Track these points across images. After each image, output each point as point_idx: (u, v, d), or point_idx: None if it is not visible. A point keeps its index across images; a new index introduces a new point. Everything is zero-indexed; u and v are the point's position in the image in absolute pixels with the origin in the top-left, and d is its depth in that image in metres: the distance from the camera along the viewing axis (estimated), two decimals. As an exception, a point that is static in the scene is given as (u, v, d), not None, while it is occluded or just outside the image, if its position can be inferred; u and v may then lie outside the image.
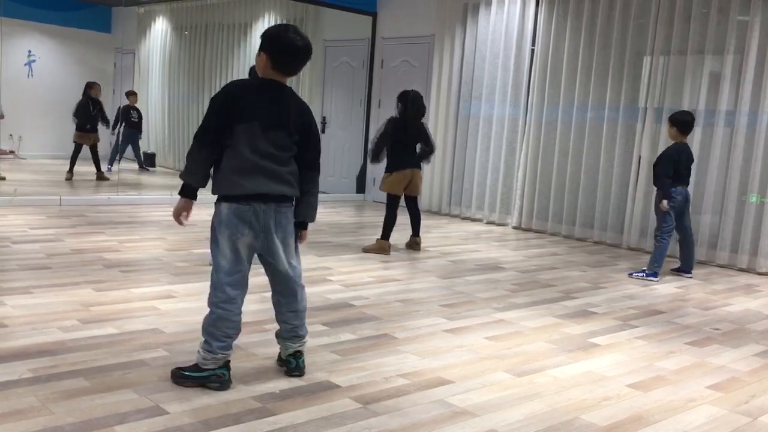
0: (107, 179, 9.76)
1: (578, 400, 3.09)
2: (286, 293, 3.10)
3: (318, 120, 10.46)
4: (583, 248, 7.19)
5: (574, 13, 7.66)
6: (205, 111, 2.90)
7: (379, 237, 6.20)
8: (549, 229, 7.93)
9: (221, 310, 2.91)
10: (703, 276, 6.14)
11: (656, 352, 3.86)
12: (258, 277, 4.96)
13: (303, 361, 3.17)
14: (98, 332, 3.54)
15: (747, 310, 5.02)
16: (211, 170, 2.94)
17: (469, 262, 6.06)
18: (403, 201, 6.35)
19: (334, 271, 5.32)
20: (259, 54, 2.94)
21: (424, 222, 8.12)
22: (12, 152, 10.73)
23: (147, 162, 11.33)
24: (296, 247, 3.13)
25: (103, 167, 9.95)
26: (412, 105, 6.17)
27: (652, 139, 7.09)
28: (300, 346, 3.16)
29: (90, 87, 9.76)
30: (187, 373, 2.94)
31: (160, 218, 7.26)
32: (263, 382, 3.04)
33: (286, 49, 2.90)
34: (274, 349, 3.44)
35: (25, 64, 10.72)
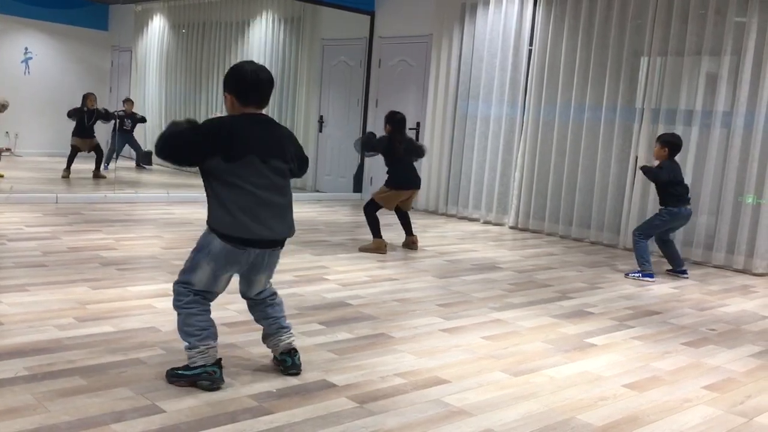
0: (104, 177, 9.76)
1: (574, 400, 3.10)
2: (254, 288, 3.14)
3: (315, 119, 10.47)
4: (580, 248, 7.20)
5: (572, 13, 7.66)
6: (185, 128, 2.90)
7: (373, 238, 6.20)
8: (546, 229, 7.94)
9: (187, 308, 2.96)
10: (699, 277, 6.16)
11: (652, 353, 3.87)
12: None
13: (299, 358, 3.16)
14: (94, 330, 3.53)
15: (743, 310, 5.03)
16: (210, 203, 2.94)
17: (466, 261, 6.06)
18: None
19: (330, 270, 5.32)
20: (225, 96, 2.98)
21: (422, 222, 8.13)
22: (8, 149, 10.70)
23: (144, 160, 11.32)
24: None
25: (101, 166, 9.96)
26: (400, 135, 6.22)
27: (649, 140, 7.09)
28: (289, 338, 3.16)
29: (86, 98, 9.77)
30: (179, 371, 2.95)
31: (156, 216, 7.25)
32: (259, 381, 3.04)
33: (247, 83, 2.91)
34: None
35: (22, 62, 10.71)
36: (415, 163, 6.52)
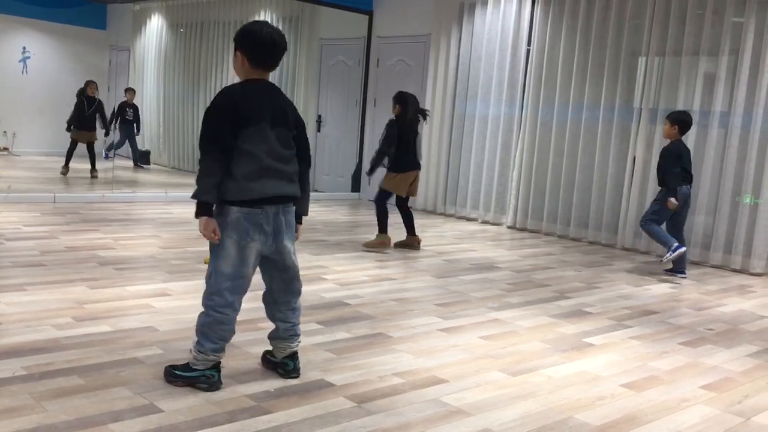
0: (97, 177, 9.74)
1: (572, 400, 3.10)
2: (289, 291, 3.08)
3: (313, 119, 10.47)
4: (578, 248, 7.20)
5: (570, 13, 7.67)
6: (204, 120, 2.84)
7: (378, 232, 6.22)
8: (544, 228, 7.94)
9: (218, 314, 2.88)
10: (697, 276, 6.16)
11: (650, 352, 3.88)
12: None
13: (299, 362, 3.15)
14: (92, 330, 3.53)
15: (740, 310, 5.04)
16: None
17: (464, 261, 6.07)
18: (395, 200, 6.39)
19: (329, 270, 5.32)
20: (235, 55, 2.91)
21: (420, 221, 8.12)
22: (6, 149, 10.69)
23: (142, 160, 11.31)
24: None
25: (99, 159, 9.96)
26: (412, 105, 6.18)
27: (647, 140, 7.11)
28: (297, 346, 3.14)
29: (86, 85, 9.74)
30: (177, 372, 2.93)
31: (154, 216, 7.25)
32: (257, 380, 3.04)
33: (263, 44, 2.87)
34: (268, 346, 3.44)
35: (20, 61, 10.68)
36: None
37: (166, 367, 2.99)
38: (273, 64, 2.95)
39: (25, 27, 10.64)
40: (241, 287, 2.92)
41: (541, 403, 3.03)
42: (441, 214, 8.89)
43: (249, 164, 2.82)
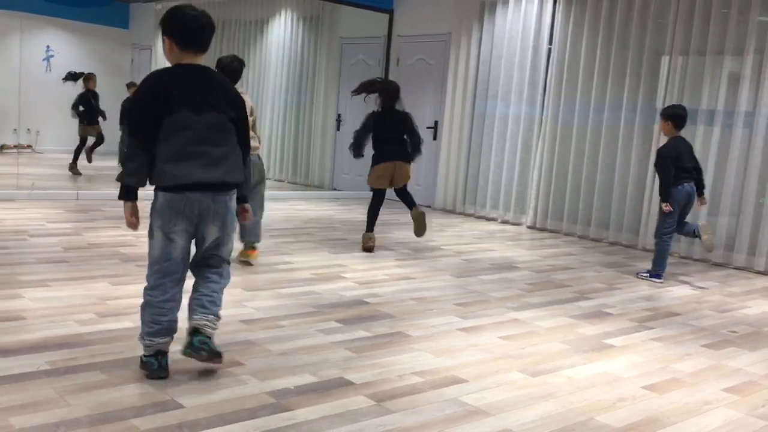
0: (80, 174, 9.72)
1: (593, 401, 3.08)
2: (209, 264, 3.06)
3: (333, 117, 10.48)
4: (598, 249, 7.15)
5: (592, 12, 7.61)
6: (131, 105, 2.90)
7: (365, 231, 6.16)
8: (564, 229, 7.90)
9: (148, 296, 2.93)
10: (720, 278, 6.09)
11: (672, 354, 3.84)
12: (267, 274, 4.98)
13: (200, 341, 2.93)
14: (115, 326, 3.57)
15: (764, 313, 4.97)
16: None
17: (484, 261, 6.05)
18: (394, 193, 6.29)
19: (347, 269, 5.33)
20: (163, 41, 2.92)
21: (439, 221, 8.12)
22: (29, 146, 10.83)
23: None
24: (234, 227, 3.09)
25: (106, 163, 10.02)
26: (382, 92, 6.05)
27: (670, 140, 7.03)
28: (200, 320, 2.97)
29: (88, 79, 9.79)
30: (142, 358, 2.98)
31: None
32: (278, 378, 3.05)
33: (188, 28, 2.87)
34: (288, 344, 3.47)
35: (44, 60, 10.82)
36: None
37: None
38: (201, 46, 2.91)
39: (48, 26, 10.77)
40: (169, 270, 2.90)
41: (561, 404, 3.02)
42: (460, 213, 8.87)
43: (170, 149, 2.81)
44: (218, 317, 3.05)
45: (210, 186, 2.88)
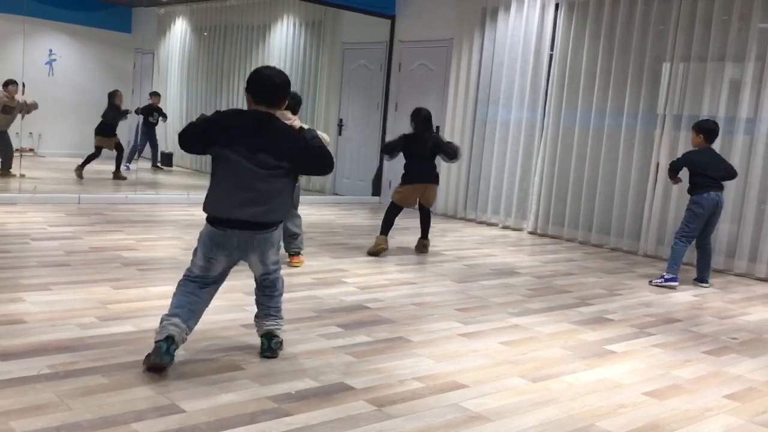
0: (124, 178, 9.85)
1: (594, 407, 3.08)
2: (264, 283, 3.41)
3: (335, 122, 10.50)
4: (599, 254, 7.15)
5: (594, 18, 7.63)
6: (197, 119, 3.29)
7: (379, 234, 6.21)
8: (565, 234, 7.90)
9: (177, 289, 3.24)
10: (721, 285, 6.09)
11: (673, 361, 3.84)
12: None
13: (276, 343, 3.36)
14: (116, 330, 3.57)
15: (765, 319, 4.97)
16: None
17: (485, 266, 6.05)
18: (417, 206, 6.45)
19: (349, 273, 5.33)
20: (246, 96, 3.30)
21: (440, 226, 8.12)
22: (31, 150, 10.84)
23: (164, 161, 11.42)
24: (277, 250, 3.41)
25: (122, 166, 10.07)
26: (424, 123, 6.25)
27: (671, 147, 7.04)
28: (272, 324, 3.38)
29: (114, 95, 9.90)
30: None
31: (177, 217, 7.31)
32: (278, 382, 3.05)
33: (261, 84, 3.24)
34: (289, 349, 3.47)
35: (46, 63, 10.85)
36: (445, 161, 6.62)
37: None
38: (273, 102, 3.26)
39: (51, 30, 10.80)
40: (203, 282, 3.25)
41: (562, 410, 3.02)
42: (461, 218, 8.88)
43: (222, 182, 3.18)
44: (283, 320, 3.49)
45: (248, 224, 3.18)
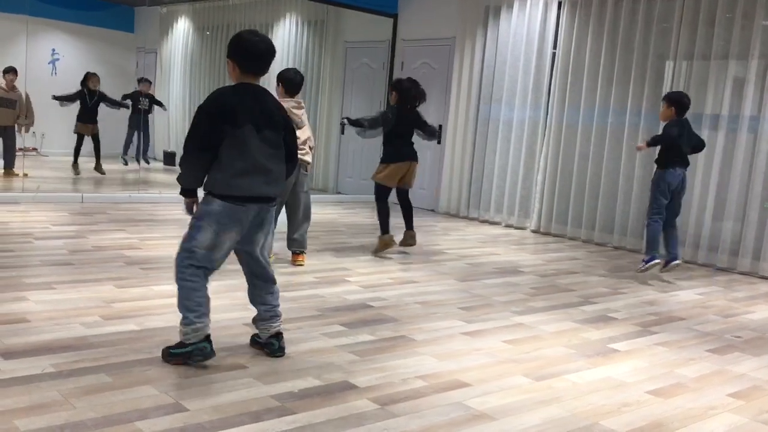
0: (103, 173, 9.81)
1: (597, 406, 3.08)
2: (264, 277, 3.36)
3: (337, 121, 10.49)
4: (603, 253, 7.14)
5: (596, 16, 7.62)
6: (193, 119, 3.11)
7: (380, 234, 6.06)
8: (568, 233, 7.89)
9: (190, 282, 3.10)
10: (725, 283, 6.08)
11: (676, 359, 3.83)
12: (278, 276, 4.98)
13: (283, 341, 3.38)
14: (119, 328, 3.57)
15: (769, 318, 4.96)
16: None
17: (488, 265, 6.04)
18: (394, 194, 6.19)
19: (352, 272, 5.33)
20: (227, 62, 3.19)
21: (443, 225, 8.13)
22: (35, 149, 10.85)
23: (167, 161, 11.41)
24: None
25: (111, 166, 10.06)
26: (406, 93, 5.99)
27: (674, 144, 7.02)
28: (279, 324, 3.38)
29: (87, 78, 9.79)
30: (173, 351, 3.10)
31: (179, 216, 7.29)
32: (282, 381, 3.05)
33: (249, 53, 3.15)
34: (292, 347, 3.47)
35: (49, 63, 10.85)
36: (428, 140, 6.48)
37: (162, 350, 3.16)
38: (262, 70, 3.21)
39: (54, 29, 10.80)
40: (207, 267, 3.14)
41: (565, 409, 3.01)
42: (464, 217, 8.87)
43: (237, 162, 3.07)
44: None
45: (266, 199, 3.21)
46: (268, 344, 3.36)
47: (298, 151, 5.07)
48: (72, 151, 9.84)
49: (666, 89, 7.18)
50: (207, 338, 3.10)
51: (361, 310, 4.32)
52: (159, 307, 4.01)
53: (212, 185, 3.11)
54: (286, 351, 3.39)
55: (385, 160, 6.08)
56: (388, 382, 3.14)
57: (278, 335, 3.37)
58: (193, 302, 3.09)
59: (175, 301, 4.13)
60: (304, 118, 5.35)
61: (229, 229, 3.11)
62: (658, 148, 5.83)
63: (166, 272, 4.85)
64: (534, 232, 8.17)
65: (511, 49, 8.35)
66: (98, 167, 9.89)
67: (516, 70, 8.32)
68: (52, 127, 10.18)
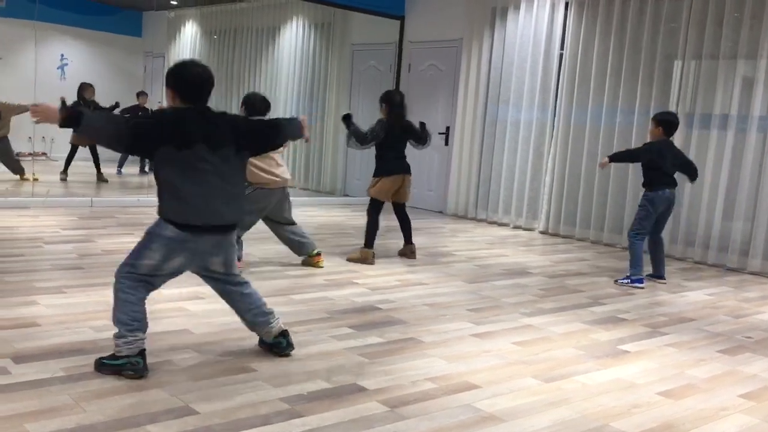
0: (106, 181, 9.82)
1: (607, 407, 3.06)
2: (233, 282, 3.29)
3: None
4: (612, 254, 7.12)
5: (604, 16, 7.60)
6: (140, 121, 3.09)
7: (363, 246, 5.86)
8: (577, 234, 7.87)
9: (125, 294, 3.01)
10: (735, 283, 6.05)
11: (687, 360, 3.81)
12: (279, 281, 4.99)
13: (290, 337, 3.36)
14: (129, 332, 3.58)
15: (780, 318, 4.93)
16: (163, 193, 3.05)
17: (496, 266, 6.03)
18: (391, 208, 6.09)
19: (360, 275, 5.33)
20: (167, 91, 3.11)
21: (451, 226, 8.12)
22: (44, 154, 10.91)
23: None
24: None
25: (112, 170, 10.08)
26: (398, 107, 5.91)
27: (683, 145, 6.99)
28: (278, 321, 3.33)
29: (83, 89, 9.75)
30: (105, 361, 3.02)
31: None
32: (291, 384, 3.06)
33: (189, 83, 3.08)
34: (302, 350, 3.47)
35: (58, 68, 10.92)
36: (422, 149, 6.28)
37: (95, 360, 3.07)
38: (201, 100, 3.10)
39: (63, 35, 10.87)
40: (150, 281, 3.07)
41: (575, 411, 3.00)
42: (472, 219, 8.86)
43: (195, 186, 2.97)
44: None
45: (223, 228, 3.10)
46: (276, 344, 3.35)
47: (284, 172, 5.18)
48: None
49: (674, 89, 7.16)
50: (140, 353, 2.99)
51: (370, 312, 4.32)
52: (167, 310, 4.02)
53: (166, 211, 3.02)
54: (293, 353, 3.38)
55: (377, 173, 5.93)
56: (398, 385, 3.14)
57: (284, 333, 3.35)
58: (127, 316, 2.99)
59: (184, 304, 4.16)
60: None
61: (177, 255, 3.03)
62: (640, 169, 5.69)
63: (175, 276, 4.87)
64: (542, 233, 8.15)
65: (519, 50, 8.34)
66: (100, 177, 9.88)
67: (523, 71, 8.31)
68: (61, 133, 10.21)
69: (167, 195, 3.01)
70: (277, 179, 5.12)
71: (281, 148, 4.90)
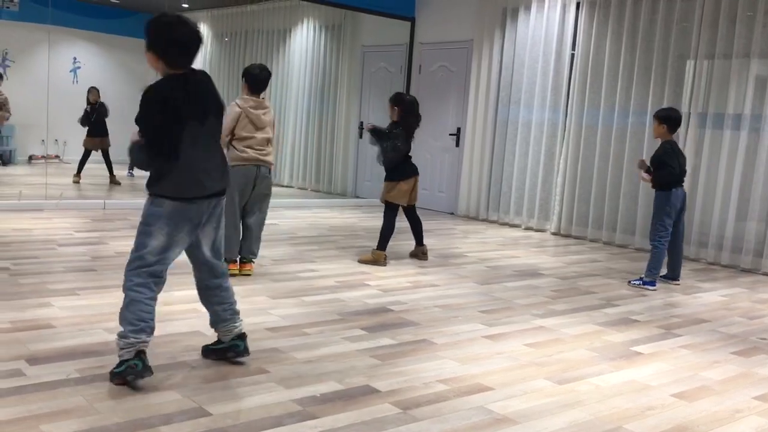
0: (119, 183, 9.89)
1: (621, 410, 3.05)
2: (215, 272, 3.19)
3: (355, 125, 10.51)
4: (624, 255, 7.08)
5: (615, 16, 7.57)
6: (140, 114, 2.86)
7: (375, 248, 5.85)
8: (589, 235, 7.84)
9: (134, 293, 2.94)
10: (749, 284, 6.01)
11: (701, 362, 3.79)
12: (291, 282, 5.00)
13: (247, 341, 3.24)
14: (142, 334, 3.59)
15: (795, 319, 4.89)
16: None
17: (508, 268, 6.02)
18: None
19: (371, 276, 5.33)
20: (147, 53, 2.86)
21: (462, 228, 8.11)
22: (57, 157, 11.00)
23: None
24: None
25: (124, 172, 10.14)
26: (412, 111, 5.92)
27: (696, 145, 6.97)
28: (240, 323, 3.23)
29: (88, 92, 9.84)
30: (115, 371, 2.92)
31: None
32: (303, 385, 3.06)
33: (179, 46, 2.84)
34: (314, 352, 3.48)
35: (70, 71, 11.00)
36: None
37: (109, 373, 2.97)
38: (190, 62, 2.90)
39: (75, 38, 10.96)
40: (157, 273, 2.99)
41: (588, 413, 2.99)
42: (484, 220, 8.84)
43: (181, 161, 2.87)
44: None
45: (216, 194, 3.05)
46: (233, 347, 3.21)
47: (260, 152, 5.06)
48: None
49: (687, 89, 7.12)
50: (138, 354, 2.87)
51: (382, 313, 4.32)
52: (181, 312, 4.04)
53: (159, 187, 2.92)
54: (306, 355, 3.39)
55: (392, 178, 5.91)
56: (410, 386, 3.14)
57: (242, 336, 3.22)
58: (133, 315, 2.90)
59: (196, 305, 4.16)
60: (266, 118, 4.94)
61: (180, 229, 2.93)
62: (658, 171, 5.60)
63: (187, 277, 4.85)
64: (554, 234, 8.12)
65: (530, 50, 8.32)
66: (112, 179, 9.95)
67: (534, 71, 8.29)
68: (74, 135, 10.30)
69: (158, 171, 2.91)
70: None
71: (266, 128, 4.89)
